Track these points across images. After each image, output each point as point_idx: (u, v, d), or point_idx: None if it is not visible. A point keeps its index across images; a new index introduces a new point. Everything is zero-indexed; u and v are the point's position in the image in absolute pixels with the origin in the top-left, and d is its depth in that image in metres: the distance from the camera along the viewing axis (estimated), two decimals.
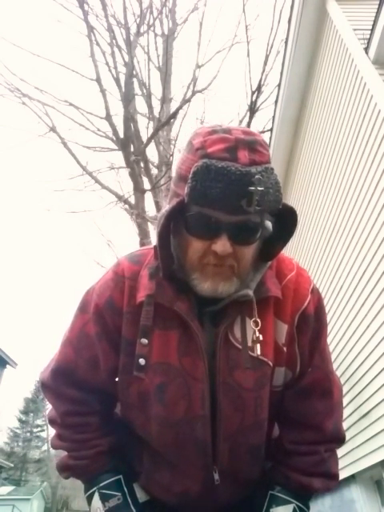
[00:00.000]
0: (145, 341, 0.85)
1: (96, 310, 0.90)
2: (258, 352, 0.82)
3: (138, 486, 0.96)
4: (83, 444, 0.93)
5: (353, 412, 3.78)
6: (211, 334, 0.85)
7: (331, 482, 0.93)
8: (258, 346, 0.82)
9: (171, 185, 0.84)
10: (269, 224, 0.84)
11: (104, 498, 0.91)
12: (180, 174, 0.80)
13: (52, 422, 0.97)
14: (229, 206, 0.73)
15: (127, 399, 0.91)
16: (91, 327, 0.91)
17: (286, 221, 0.82)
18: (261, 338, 0.82)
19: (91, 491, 0.93)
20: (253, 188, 0.71)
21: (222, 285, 0.80)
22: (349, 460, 3.83)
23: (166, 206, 0.81)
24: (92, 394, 0.95)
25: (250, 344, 0.84)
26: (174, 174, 0.85)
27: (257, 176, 0.71)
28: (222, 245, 0.76)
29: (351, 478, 3.98)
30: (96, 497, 0.91)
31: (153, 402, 0.86)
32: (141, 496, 0.94)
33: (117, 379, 0.92)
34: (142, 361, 0.84)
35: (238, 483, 0.93)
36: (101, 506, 0.90)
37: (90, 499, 0.93)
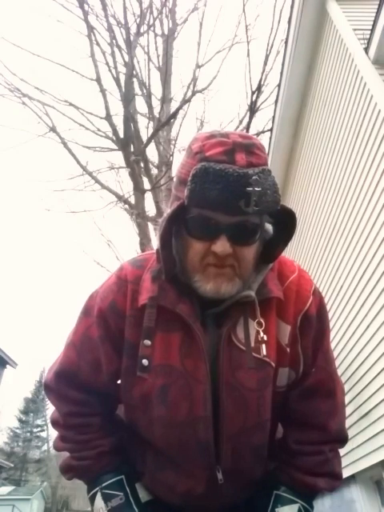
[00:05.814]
0: (148, 342, 0.85)
1: (99, 313, 0.91)
2: (264, 352, 0.83)
3: (141, 486, 0.96)
4: (85, 444, 0.93)
5: (353, 412, 3.78)
6: (214, 336, 0.86)
7: (335, 481, 0.94)
8: (264, 346, 0.83)
9: (172, 189, 0.86)
10: (269, 226, 0.85)
11: (106, 498, 0.91)
12: (180, 178, 0.82)
13: (55, 423, 0.97)
14: (227, 207, 0.74)
15: (130, 401, 0.92)
16: (94, 331, 0.91)
17: (286, 223, 0.84)
18: (265, 338, 0.83)
19: (94, 491, 0.93)
20: (250, 189, 0.72)
21: (225, 286, 0.81)
22: (349, 460, 3.83)
23: (168, 210, 0.82)
24: (94, 395, 0.95)
25: (253, 344, 0.84)
26: (174, 178, 0.86)
27: (254, 177, 0.73)
28: (221, 245, 0.77)
29: (351, 478, 3.99)
30: (98, 497, 0.92)
31: (155, 404, 0.87)
32: (143, 496, 0.94)
33: (119, 381, 0.93)
34: (145, 361, 0.85)
35: (241, 483, 0.94)
36: (103, 506, 0.91)
37: (92, 499, 0.93)
